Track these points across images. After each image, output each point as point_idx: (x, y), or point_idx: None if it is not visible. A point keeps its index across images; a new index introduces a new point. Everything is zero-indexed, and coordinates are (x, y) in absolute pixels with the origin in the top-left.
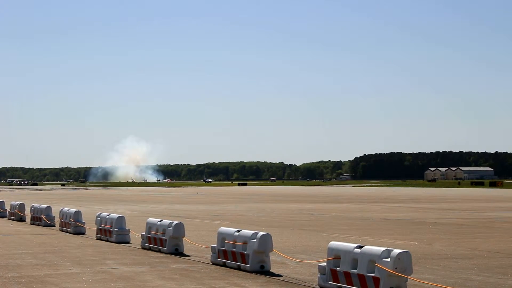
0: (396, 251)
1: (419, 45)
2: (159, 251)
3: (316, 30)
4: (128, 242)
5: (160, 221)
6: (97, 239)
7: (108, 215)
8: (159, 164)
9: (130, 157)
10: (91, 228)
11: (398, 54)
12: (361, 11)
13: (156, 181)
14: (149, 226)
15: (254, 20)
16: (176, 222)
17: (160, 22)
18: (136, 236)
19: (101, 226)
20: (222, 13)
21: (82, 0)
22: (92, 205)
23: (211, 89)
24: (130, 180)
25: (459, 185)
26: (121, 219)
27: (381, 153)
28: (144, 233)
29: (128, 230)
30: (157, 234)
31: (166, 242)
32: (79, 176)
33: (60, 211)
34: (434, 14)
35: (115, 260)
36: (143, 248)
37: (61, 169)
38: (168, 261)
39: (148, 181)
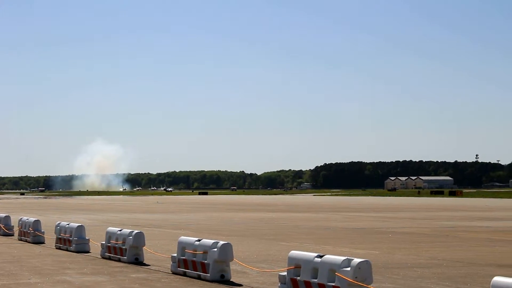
0: (357, 260)
1: (381, 54)
2: (119, 260)
3: (279, 39)
4: (87, 252)
5: (120, 230)
6: (57, 248)
7: (68, 224)
8: (119, 173)
9: (96, 165)
10: (50, 238)
11: (358, 64)
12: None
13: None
14: (109, 235)
15: (217, 30)
16: (136, 231)
17: (131, 33)
18: (96, 245)
19: (60, 235)
20: (193, 23)
21: (51, 13)
22: (52, 214)
23: (170, 98)
24: (122, 189)
25: (418, 194)
26: (80, 228)
27: (342, 162)
28: (104, 242)
29: (88, 240)
30: (117, 244)
31: (126, 252)
32: (39, 185)
33: (19, 220)
34: (398, 17)
35: (74, 270)
36: (103, 257)
37: (20, 178)
38: (128, 270)
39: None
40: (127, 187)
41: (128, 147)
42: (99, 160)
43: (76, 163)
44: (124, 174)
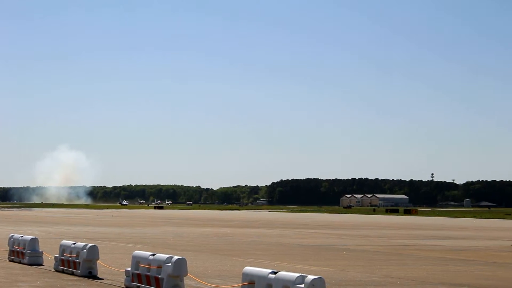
0: (310, 277)
1: (338, 72)
2: (72, 274)
3: (235, 53)
4: (41, 264)
5: (74, 243)
6: (10, 261)
7: (21, 236)
8: (76, 185)
9: (56, 176)
10: (3, 250)
11: (313, 81)
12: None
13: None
14: (63, 249)
15: (180, 47)
16: (90, 244)
17: (97, 52)
18: (49, 258)
19: (13, 247)
20: (159, 41)
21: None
22: (5, 226)
23: (128, 112)
24: (120, 203)
25: (374, 212)
26: (34, 240)
27: (298, 179)
28: (57, 255)
29: (41, 252)
30: (70, 257)
31: (79, 265)
32: None
33: None
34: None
35: (27, 283)
36: (56, 270)
37: None
38: (81, 284)
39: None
40: (87, 200)
41: (90, 160)
42: (60, 172)
43: (35, 173)
44: (83, 186)
